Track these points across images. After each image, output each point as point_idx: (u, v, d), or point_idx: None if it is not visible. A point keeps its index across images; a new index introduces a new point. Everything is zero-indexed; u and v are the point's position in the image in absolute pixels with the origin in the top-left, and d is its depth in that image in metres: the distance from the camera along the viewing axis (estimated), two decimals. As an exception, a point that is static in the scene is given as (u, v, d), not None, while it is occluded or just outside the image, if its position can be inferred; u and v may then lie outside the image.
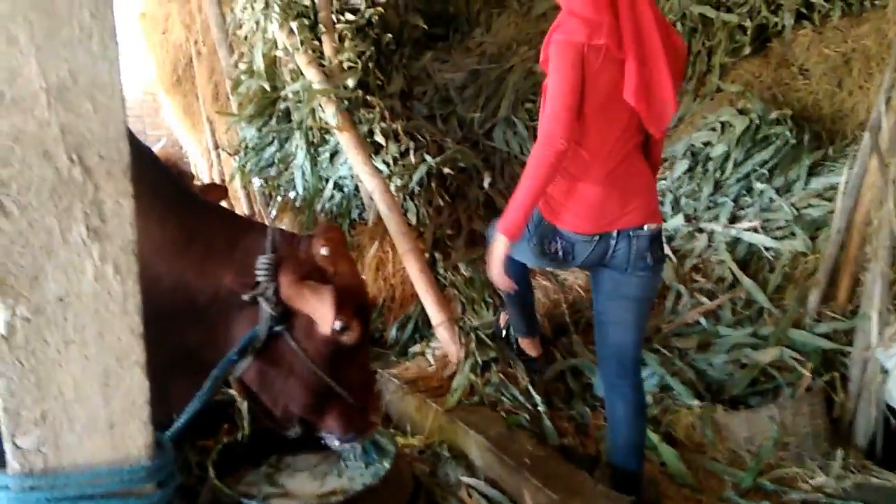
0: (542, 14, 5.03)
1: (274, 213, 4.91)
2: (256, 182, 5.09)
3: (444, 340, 2.87)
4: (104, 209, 1.09)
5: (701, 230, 3.47)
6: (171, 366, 1.83)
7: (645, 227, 2.07)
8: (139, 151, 1.98)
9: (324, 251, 1.81)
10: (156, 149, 8.38)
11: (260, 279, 1.74)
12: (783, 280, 3.11)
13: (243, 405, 2.75)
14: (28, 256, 1.05)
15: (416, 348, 3.12)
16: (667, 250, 3.43)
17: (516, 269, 2.41)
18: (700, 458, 2.42)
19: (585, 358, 2.97)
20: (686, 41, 4.64)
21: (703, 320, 3.03)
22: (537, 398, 2.63)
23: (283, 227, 1.98)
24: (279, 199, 4.70)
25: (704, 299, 3.15)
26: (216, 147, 6.02)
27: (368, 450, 2.41)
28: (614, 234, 2.06)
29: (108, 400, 1.13)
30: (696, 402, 2.58)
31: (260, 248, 1.80)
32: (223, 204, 3.37)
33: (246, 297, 1.72)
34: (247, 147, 4.48)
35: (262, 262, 1.75)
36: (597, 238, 2.06)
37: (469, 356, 2.71)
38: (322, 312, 1.73)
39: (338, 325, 1.78)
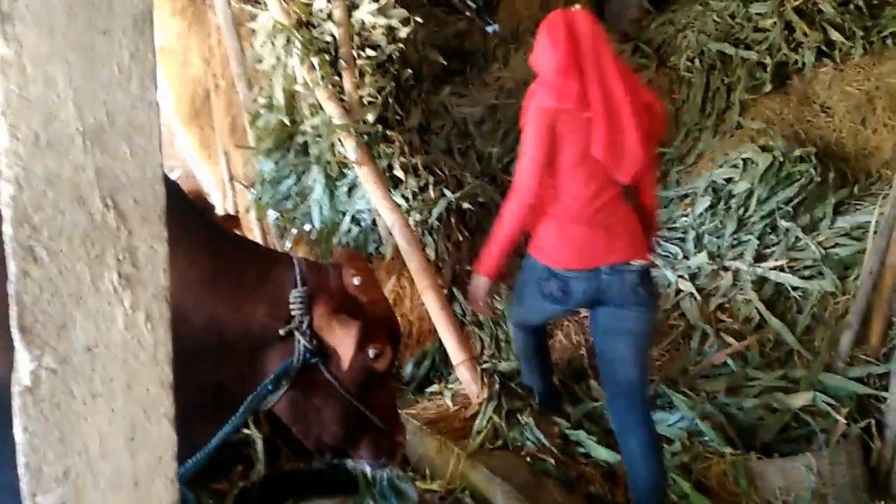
0: (559, 50, 5.05)
1: (289, 245, 4.89)
2: (271, 215, 5.09)
3: (465, 380, 2.80)
4: (137, 255, 1.05)
5: (726, 268, 3.41)
6: (195, 402, 1.79)
7: (633, 262, 2.21)
8: (165, 184, 1.96)
9: (356, 281, 1.81)
10: (174, 175, 8.43)
11: (295, 313, 1.71)
12: (812, 321, 3.04)
13: (258, 444, 2.69)
14: (56, 304, 1.00)
15: (434, 388, 3.05)
16: (691, 289, 3.37)
17: (535, 339, 2.62)
18: (734, 508, 2.33)
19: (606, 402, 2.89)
20: (705, 78, 4.66)
21: (730, 362, 2.95)
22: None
23: (307, 258, 1.97)
24: (294, 232, 4.68)
25: (731, 340, 3.07)
26: (231, 179, 6.02)
27: (388, 495, 2.34)
28: (604, 268, 2.19)
29: (133, 455, 1.07)
30: (728, 450, 2.49)
31: (289, 279, 1.79)
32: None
33: (282, 332, 1.70)
34: (263, 180, 4.47)
35: (296, 295, 1.73)
36: (588, 273, 2.20)
37: (492, 399, 2.63)
38: (346, 346, 1.71)
39: (372, 352, 1.81)
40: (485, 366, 2.82)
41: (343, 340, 1.72)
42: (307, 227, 4.41)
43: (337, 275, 1.85)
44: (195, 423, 1.81)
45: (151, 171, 1.06)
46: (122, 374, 1.05)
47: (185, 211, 1.85)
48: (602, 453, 2.62)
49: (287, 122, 4.05)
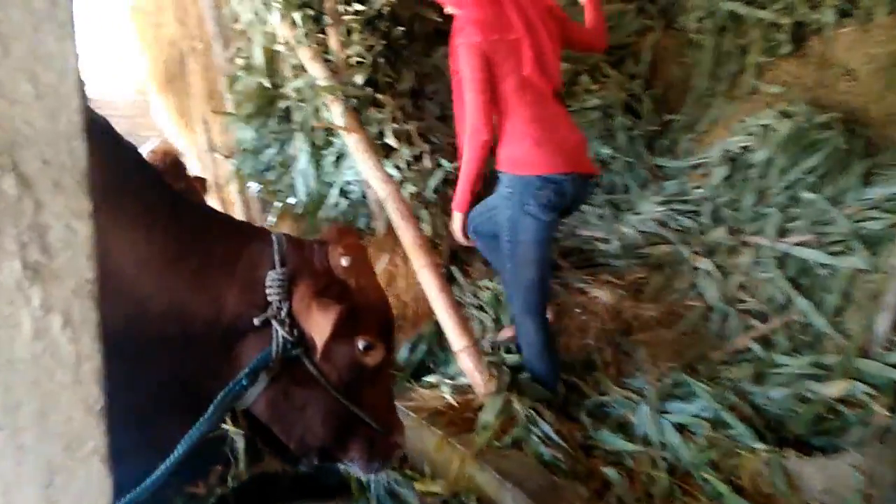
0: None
1: (273, 220, 4.58)
2: (253, 187, 4.77)
3: (468, 370, 2.54)
4: (49, 237, 0.76)
5: (746, 244, 3.16)
6: (161, 402, 1.55)
7: (594, 177, 2.61)
8: (120, 149, 1.66)
9: (345, 262, 1.56)
10: (145, 149, 8.03)
11: (272, 298, 1.46)
12: (842, 301, 2.80)
13: (240, 444, 2.43)
14: (-65, 306, 0.72)
15: (432, 379, 2.79)
16: (709, 266, 3.12)
17: (545, 324, 2.56)
18: (772, 512, 2.10)
19: (616, 394, 2.65)
20: (715, 40, 4.36)
21: (755, 346, 2.71)
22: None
23: (289, 233, 1.70)
24: (278, 205, 4.37)
25: (755, 322, 2.83)
26: (211, 149, 5.68)
27: (385, 501, 2.09)
28: (581, 175, 2.44)
29: (53, 506, 0.80)
30: (759, 445, 2.25)
31: (265, 258, 1.53)
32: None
33: (257, 322, 1.45)
34: (243, 149, 4.15)
35: (274, 278, 1.48)
36: (574, 176, 2.40)
37: (501, 392, 2.37)
38: (321, 330, 1.46)
39: (362, 344, 1.58)
40: (491, 358, 2.56)
41: (319, 324, 1.46)
42: (292, 199, 4.10)
43: (323, 254, 1.59)
44: (162, 425, 1.55)
45: (67, 119, 0.76)
46: (33, 400, 0.77)
47: (144, 180, 1.57)
48: (620, 444, 2.39)
49: (267, 84, 3.71)
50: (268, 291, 1.47)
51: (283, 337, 1.46)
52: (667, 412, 2.53)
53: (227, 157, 5.08)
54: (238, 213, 5.73)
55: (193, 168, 6.83)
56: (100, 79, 8.97)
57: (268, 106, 3.89)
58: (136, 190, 1.52)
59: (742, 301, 2.96)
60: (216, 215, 1.70)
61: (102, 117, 1.67)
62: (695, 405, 2.49)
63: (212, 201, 7.45)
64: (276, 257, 1.51)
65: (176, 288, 1.46)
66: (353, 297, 1.54)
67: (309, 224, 3.67)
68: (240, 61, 3.93)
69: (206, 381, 1.54)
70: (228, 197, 5.79)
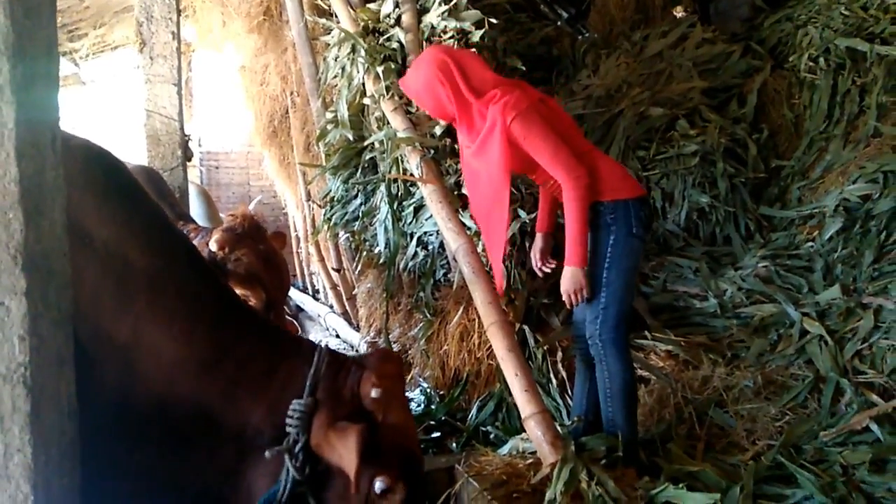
0: (658, 54, 4.53)
1: (358, 268, 4.63)
2: (342, 236, 4.85)
3: (535, 438, 2.34)
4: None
5: (864, 306, 2.78)
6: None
7: None
8: (173, 238, 1.68)
9: (374, 393, 1.47)
10: (254, 202, 8.46)
11: (290, 430, 1.42)
12: None
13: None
14: None
15: (515, 443, 2.63)
16: (820, 330, 2.77)
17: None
18: None
19: (702, 466, 2.35)
20: (831, 79, 4.03)
21: (875, 427, 2.33)
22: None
23: (334, 349, 1.61)
24: (364, 254, 4.41)
25: (875, 398, 2.45)
26: (308, 199, 5.89)
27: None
28: None
29: None
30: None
31: (299, 380, 1.48)
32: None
33: (268, 455, 1.39)
34: (332, 199, 4.24)
35: (295, 408, 1.43)
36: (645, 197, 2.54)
37: (568, 461, 2.17)
38: (348, 459, 1.35)
39: (379, 485, 1.42)
40: (563, 431, 2.37)
41: (342, 455, 1.36)
42: (377, 248, 4.11)
43: (356, 379, 1.51)
44: None
45: (2, 188, 0.72)
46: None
47: (190, 276, 1.58)
48: None
49: (352, 137, 3.77)
50: (288, 421, 1.42)
51: (293, 473, 1.39)
52: (763, 497, 2.21)
53: (320, 206, 5.21)
54: (331, 260, 5.87)
55: (296, 217, 7.12)
56: (217, 133, 9.68)
57: (354, 158, 3.95)
58: (180, 284, 1.53)
59: (860, 373, 2.58)
60: (261, 324, 1.68)
61: (155, 206, 1.69)
62: (796, 494, 2.15)
63: (299, 248, 7.63)
64: (308, 382, 1.46)
65: (207, 394, 1.46)
66: (376, 433, 1.44)
67: (387, 275, 3.64)
68: (329, 115, 4.03)
69: (223, 493, 1.51)
70: (323, 244, 5.94)
